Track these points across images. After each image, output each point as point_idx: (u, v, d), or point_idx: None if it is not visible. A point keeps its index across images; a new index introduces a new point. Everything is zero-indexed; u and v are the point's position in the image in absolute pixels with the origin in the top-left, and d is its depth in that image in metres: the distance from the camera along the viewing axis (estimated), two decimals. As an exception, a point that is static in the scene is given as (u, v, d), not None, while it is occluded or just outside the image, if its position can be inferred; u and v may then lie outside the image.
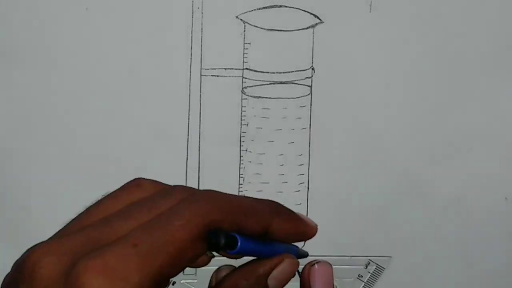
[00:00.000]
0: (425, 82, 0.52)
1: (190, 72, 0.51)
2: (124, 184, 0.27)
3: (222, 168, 0.52)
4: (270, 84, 0.51)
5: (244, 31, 0.51)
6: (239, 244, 0.25)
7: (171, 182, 0.28)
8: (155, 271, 0.23)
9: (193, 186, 0.34)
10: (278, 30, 0.51)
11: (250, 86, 0.51)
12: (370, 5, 0.51)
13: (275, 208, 0.28)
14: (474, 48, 0.52)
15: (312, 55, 0.51)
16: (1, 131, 0.50)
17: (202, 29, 0.50)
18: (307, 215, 0.52)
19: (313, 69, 0.51)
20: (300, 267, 0.30)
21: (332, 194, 0.52)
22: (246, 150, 0.52)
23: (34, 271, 0.23)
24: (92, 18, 0.50)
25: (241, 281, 0.28)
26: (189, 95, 0.51)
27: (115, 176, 0.50)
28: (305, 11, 0.51)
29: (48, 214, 0.50)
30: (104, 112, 0.50)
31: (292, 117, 0.52)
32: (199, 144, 0.51)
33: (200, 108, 0.51)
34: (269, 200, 0.28)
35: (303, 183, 0.52)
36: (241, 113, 0.51)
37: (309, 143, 0.52)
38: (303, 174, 0.52)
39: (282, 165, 0.52)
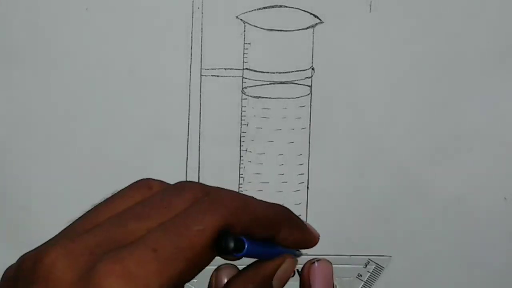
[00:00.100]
0: (425, 82, 0.52)
1: (190, 72, 0.51)
2: (132, 183, 0.27)
3: (222, 168, 0.52)
4: (270, 84, 0.51)
5: (244, 31, 0.51)
6: (246, 248, 0.25)
7: (171, 182, 0.27)
8: (174, 276, 0.23)
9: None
10: (278, 30, 0.51)
11: (250, 86, 0.51)
12: (370, 5, 0.51)
13: (287, 216, 0.28)
14: (474, 48, 0.52)
15: (312, 55, 0.51)
16: (1, 131, 0.50)
17: (202, 29, 0.50)
18: (307, 214, 0.52)
19: (313, 69, 0.51)
20: (299, 266, 0.30)
21: (332, 194, 0.52)
22: (246, 150, 0.52)
23: (50, 273, 0.22)
24: (92, 18, 0.50)
25: (248, 285, 0.28)
26: (189, 95, 0.51)
27: (115, 176, 0.50)
28: (305, 11, 0.51)
29: (48, 214, 0.50)
30: (104, 112, 0.50)
31: (292, 117, 0.52)
32: (199, 144, 0.51)
33: (200, 108, 0.51)
34: (281, 206, 0.28)
35: (303, 182, 0.52)
36: (241, 113, 0.51)
37: (309, 143, 0.52)
38: (303, 174, 0.52)
39: (282, 165, 0.52)
